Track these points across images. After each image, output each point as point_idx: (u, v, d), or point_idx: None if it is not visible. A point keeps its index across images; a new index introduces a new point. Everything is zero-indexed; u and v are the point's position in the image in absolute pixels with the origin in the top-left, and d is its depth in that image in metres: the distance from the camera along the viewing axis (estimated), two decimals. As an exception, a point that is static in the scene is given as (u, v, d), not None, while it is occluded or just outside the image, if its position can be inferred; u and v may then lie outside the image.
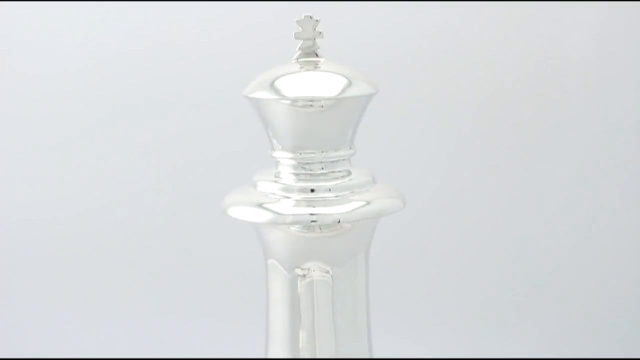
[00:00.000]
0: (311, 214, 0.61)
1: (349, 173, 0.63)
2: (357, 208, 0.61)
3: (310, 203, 0.61)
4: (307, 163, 0.62)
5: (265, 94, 0.61)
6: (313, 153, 0.62)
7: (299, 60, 0.63)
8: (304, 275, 0.63)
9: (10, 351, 1.04)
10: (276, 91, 0.61)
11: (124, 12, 1.04)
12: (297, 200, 0.62)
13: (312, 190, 0.62)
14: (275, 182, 0.63)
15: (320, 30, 0.63)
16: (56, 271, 1.06)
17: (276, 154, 0.63)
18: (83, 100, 1.06)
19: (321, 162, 0.62)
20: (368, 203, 0.62)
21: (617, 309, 1.06)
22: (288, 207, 0.61)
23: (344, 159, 0.63)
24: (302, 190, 0.62)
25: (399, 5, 1.04)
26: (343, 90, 0.61)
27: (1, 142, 1.06)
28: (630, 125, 1.06)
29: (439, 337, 1.04)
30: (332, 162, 0.62)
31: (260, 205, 0.62)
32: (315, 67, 0.63)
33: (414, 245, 1.06)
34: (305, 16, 0.63)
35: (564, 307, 1.05)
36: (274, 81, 0.62)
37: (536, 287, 1.06)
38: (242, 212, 0.62)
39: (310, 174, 0.62)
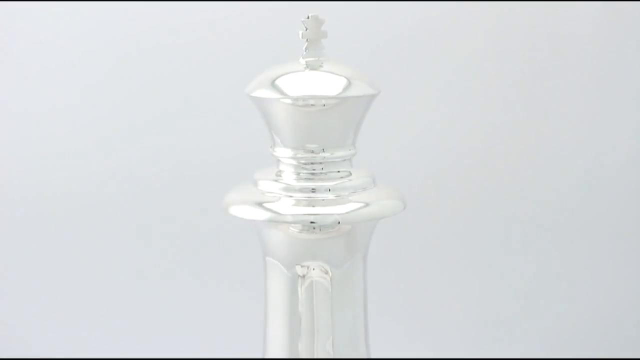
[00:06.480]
0: (311, 214, 0.61)
1: (350, 174, 0.63)
2: (356, 209, 0.61)
3: (310, 203, 0.61)
4: (308, 163, 0.62)
5: (266, 93, 0.61)
6: (314, 153, 0.62)
7: (302, 59, 0.63)
8: (304, 276, 0.63)
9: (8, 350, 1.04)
10: (278, 90, 0.61)
11: (124, 10, 1.04)
12: (297, 200, 0.61)
13: (313, 190, 0.62)
14: (276, 181, 0.63)
15: (325, 30, 0.63)
16: (54, 271, 1.06)
17: (277, 152, 0.63)
18: (86, 95, 1.06)
19: (322, 162, 0.62)
20: (368, 204, 0.62)
21: (620, 309, 1.05)
22: (288, 206, 0.61)
23: (344, 159, 0.63)
24: (302, 189, 0.62)
25: (402, 5, 1.04)
26: (344, 90, 0.61)
27: (3, 130, 1.06)
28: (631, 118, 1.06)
29: (438, 338, 1.04)
30: (333, 162, 0.62)
31: (260, 204, 0.62)
32: (317, 66, 0.62)
33: (413, 246, 1.06)
34: (310, 16, 0.63)
35: (565, 306, 1.05)
36: (275, 80, 0.62)
37: (537, 287, 1.06)
38: (243, 210, 0.62)
39: (311, 173, 0.62)
